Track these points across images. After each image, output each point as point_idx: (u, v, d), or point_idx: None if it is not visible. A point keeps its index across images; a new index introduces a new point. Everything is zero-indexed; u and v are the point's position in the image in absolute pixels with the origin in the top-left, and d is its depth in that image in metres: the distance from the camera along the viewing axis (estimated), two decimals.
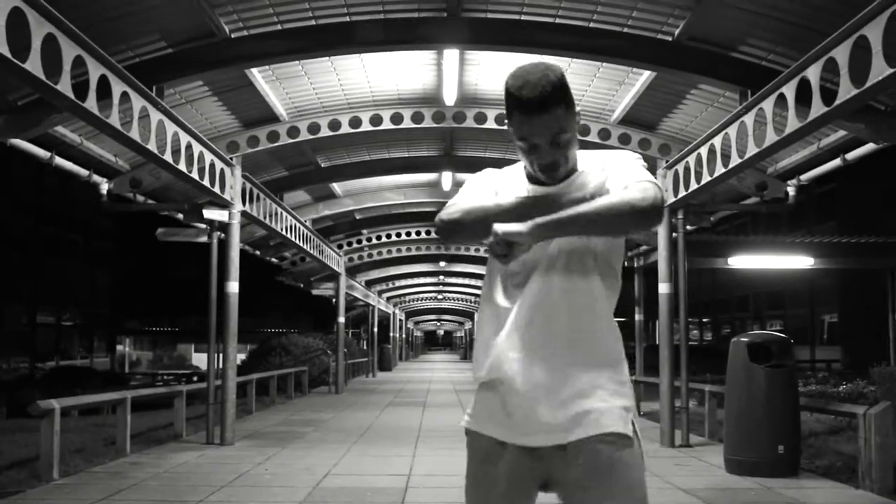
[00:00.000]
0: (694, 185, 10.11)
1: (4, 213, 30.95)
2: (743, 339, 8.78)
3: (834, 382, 15.70)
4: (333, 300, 24.50)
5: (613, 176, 2.33)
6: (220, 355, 11.79)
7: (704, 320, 40.66)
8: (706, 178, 9.66)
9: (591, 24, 8.86)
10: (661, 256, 11.42)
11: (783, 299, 31.49)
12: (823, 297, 28.62)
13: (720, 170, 9.20)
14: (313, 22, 8.98)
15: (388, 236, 22.94)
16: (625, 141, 11.32)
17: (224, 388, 11.37)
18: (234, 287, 11.45)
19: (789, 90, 7.28)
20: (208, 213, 11.26)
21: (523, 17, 8.95)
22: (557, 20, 8.89)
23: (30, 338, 33.17)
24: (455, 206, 2.37)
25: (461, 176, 16.70)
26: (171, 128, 8.92)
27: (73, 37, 6.43)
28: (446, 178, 17.01)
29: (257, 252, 19.55)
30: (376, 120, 11.71)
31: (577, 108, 2.35)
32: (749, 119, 8.28)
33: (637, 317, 16.93)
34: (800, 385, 10.63)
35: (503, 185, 2.49)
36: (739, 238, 18.82)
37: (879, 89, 5.89)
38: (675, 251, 11.16)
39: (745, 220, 31.70)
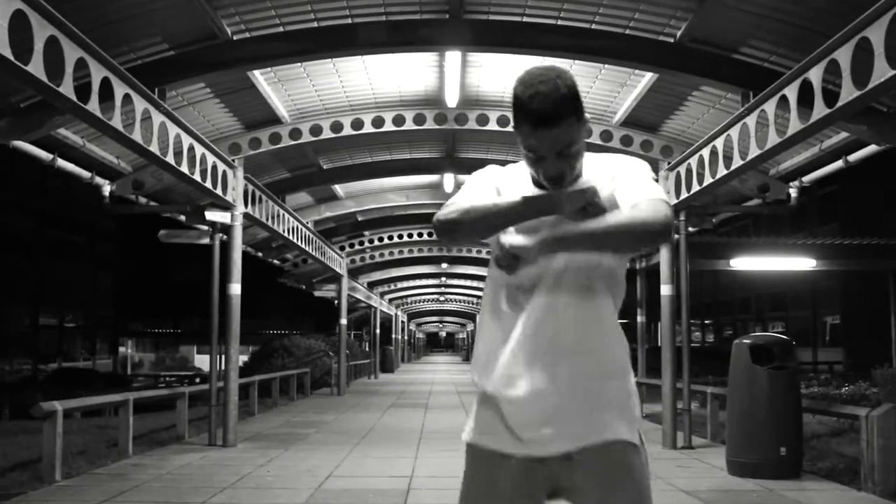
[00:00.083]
0: (696, 187, 10.11)
1: (7, 214, 31.00)
2: (745, 341, 8.77)
3: (836, 384, 15.69)
4: (335, 302, 24.52)
5: (623, 188, 2.28)
6: (223, 357, 11.79)
7: (706, 322, 40.62)
8: (708, 180, 9.66)
9: (593, 26, 8.86)
10: (664, 258, 11.43)
11: (785, 301, 31.46)
12: (825, 299, 28.59)
13: (722, 171, 9.20)
14: (315, 24, 8.98)
15: (390, 238, 22.95)
16: (627, 143, 11.32)
17: (226, 389, 11.38)
18: (236, 289, 11.46)
19: (791, 92, 7.28)
20: (210, 215, 11.27)
21: (525, 19, 8.95)
22: (559, 22, 8.89)
23: (32, 339, 33.19)
24: (453, 206, 2.29)
25: (463, 177, 16.66)
26: (173, 130, 8.93)
27: (76, 39, 6.44)
28: (448, 180, 17.01)
29: (259, 254, 19.56)
30: (378, 122, 11.72)
31: (586, 116, 2.29)
32: (751, 121, 8.28)
33: (639, 318, 16.93)
34: (802, 387, 10.61)
35: (507, 183, 2.43)
36: (741, 240, 18.84)
37: (881, 91, 5.89)
38: (678, 253, 11.15)
39: (747, 222, 31.69)
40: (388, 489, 8.02)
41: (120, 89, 7.39)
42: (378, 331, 35.48)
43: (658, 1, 8.22)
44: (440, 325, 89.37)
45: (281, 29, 8.98)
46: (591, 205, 2.13)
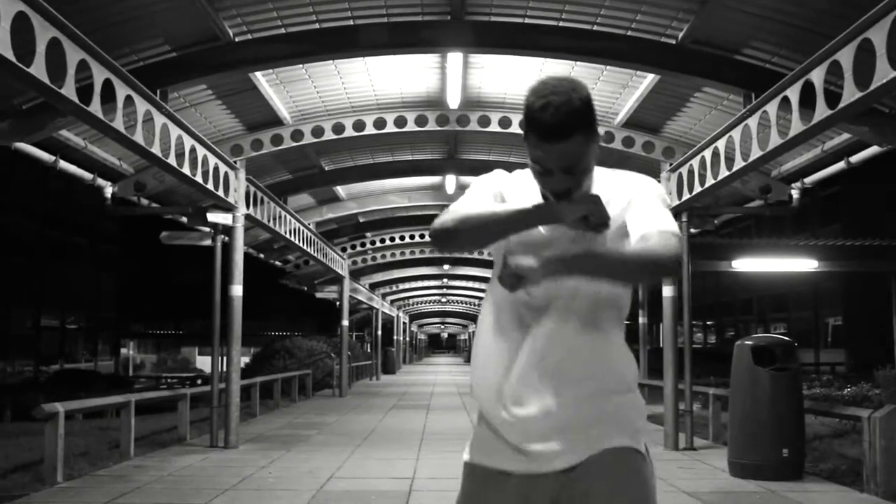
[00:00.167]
0: (698, 188, 10.11)
1: (9, 216, 31.03)
2: (747, 343, 8.76)
3: (838, 385, 15.67)
4: (337, 303, 24.52)
5: (634, 214, 2.22)
6: (224, 358, 11.79)
7: (708, 323, 40.61)
8: (710, 181, 9.66)
9: (595, 27, 8.86)
10: None
11: (787, 302, 31.44)
12: (827, 300, 28.58)
13: (724, 173, 9.19)
14: (317, 25, 8.99)
15: (392, 239, 22.96)
16: (628, 144, 11.32)
17: (228, 391, 11.38)
18: (237, 290, 11.46)
19: (793, 93, 7.28)
20: (212, 217, 11.27)
21: (527, 21, 8.95)
22: (561, 23, 8.88)
23: (34, 341, 33.21)
24: (450, 214, 2.22)
25: (465, 179, 16.71)
26: (175, 131, 8.94)
27: (78, 41, 6.45)
28: (450, 181, 17.02)
29: (261, 255, 19.56)
30: (380, 123, 11.72)
31: (600, 132, 2.23)
32: (753, 122, 8.28)
33: (641, 320, 16.93)
34: (804, 388, 10.61)
35: (513, 190, 2.36)
36: (743, 241, 18.84)
37: (883, 92, 5.89)
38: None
39: (748, 223, 31.69)
40: (390, 491, 8.01)
41: (122, 91, 7.40)
42: (380, 332, 35.47)
43: (660, 2, 8.22)
44: (442, 327, 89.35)
45: (283, 30, 8.99)
46: (592, 214, 2.08)
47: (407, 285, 36.46)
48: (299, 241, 15.96)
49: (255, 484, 8.46)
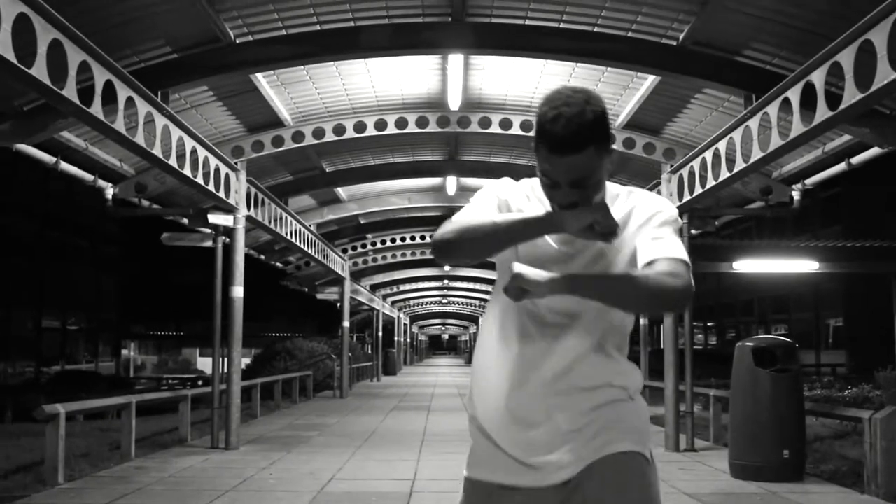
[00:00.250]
0: (699, 190, 10.11)
1: (10, 217, 31.03)
2: (748, 344, 8.76)
3: (839, 387, 15.65)
4: (338, 304, 24.52)
5: (644, 238, 2.17)
6: (225, 360, 11.79)
7: (709, 324, 40.60)
8: (711, 183, 9.66)
9: (596, 29, 8.87)
10: None
11: (788, 303, 31.43)
12: (828, 302, 28.57)
13: (725, 174, 9.19)
14: (318, 27, 9.00)
15: (393, 240, 22.97)
16: (629, 145, 11.32)
17: (229, 392, 11.38)
18: (238, 291, 11.47)
19: (794, 94, 7.28)
20: (213, 218, 11.27)
21: (528, 22, 8.95)
22: (562, 25, 8.89)
23: (35, 342, 33.20)
24: (451, 225, 2.14)
25: (466, 180, 16.73)
26: (176, 133, 8.95)
27: (79, 42, 6.46)
28: (451, 183, 17.02)
29: (262, 256, 19.57)
30: (381, 125, 11.73)
31: (613, 146, 2.13)
32: (754, 123, 8.28)
33: (642, 321, 16.91)
34: (805, 389, 10.60)
35: (519, 200, 2.30)
36: (744, 242, 18.83)
37: (884, 93, 5.89)
38: None
39: (749, 225, 31.68)
40: (391, 492, 8.01)
41: (123, 92, 7.40)
42: (380, 333, 35.47)
43: (661, 4, 8.22)
44: (443, 328, 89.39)
45: (283, 32, 8.99)
46: (598, 223, 1.99)
47: (408, 286, 36.46)
48: (300, 242, 15.96)
49: (255, 485, 8.46)
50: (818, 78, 6.75)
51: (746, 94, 8.84)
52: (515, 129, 11.60)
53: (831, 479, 8.50)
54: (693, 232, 11.30)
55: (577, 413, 2.23)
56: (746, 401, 8.54)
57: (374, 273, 27.73)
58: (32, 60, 5.75)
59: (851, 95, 6.17)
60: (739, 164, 8.73)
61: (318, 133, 11.76)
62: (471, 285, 36.49)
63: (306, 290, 25.20)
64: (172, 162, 8.95)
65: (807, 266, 16.30)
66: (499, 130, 11.70)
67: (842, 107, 6.36)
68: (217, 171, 10.52)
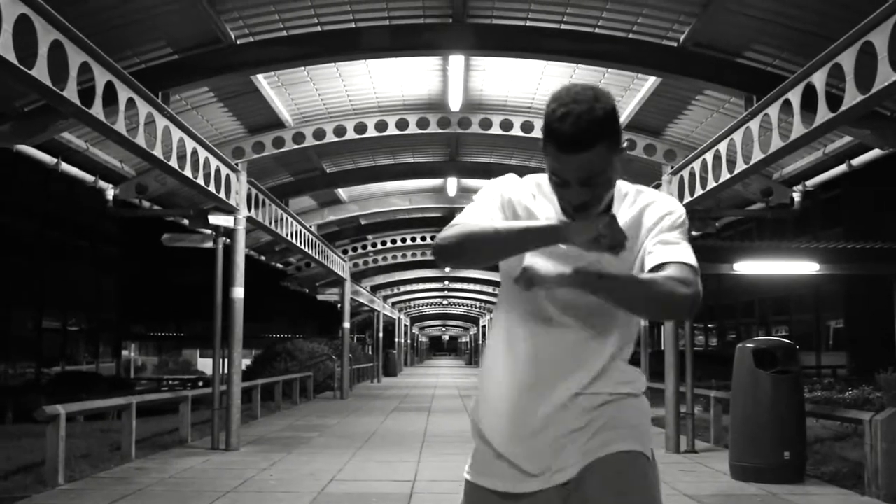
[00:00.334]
0: (699, 191, 10.10)
1: (11, 218, 31.03)
2: (748, 345, 8.76)
3: (839, 388, 15.66)
4: (338, 305, 24.52)
5: (653, 241, 2.15)
6: (226, 360, 11.79)
7: (710, 326, 40.58)
8: (711, 184, 9.65)
9: (597, 30, 8.87)
10: None
11: (788, 305, 31.42)
12: (829, 303, 28.56)
13: (725, 175, 9.19)
14: (319, 28, 9.00)
15: (394, 241, 22.96)
16: (630, 147, 11.30)
17: (229, 393, 11.38)
18: (239, 292, 11.47)
19: (795, 96, 7.28)
20: (214, 219, 11.27)
21: (528, 23, 8.95)
22: (563, 26, 8.89)
23: (35, 343, 33.19)
24: (454, 230, 2.10)
25: (466, 181, 16.73)
26: (176, 134, 8.95)
27: (80, 43, 6.46)
28: (451, 184, 17.02)
29: (262, 257, 19.57)
30: (382, 126, 11.73)
31: (624, 144, 2.10)
32: (754, 125, 8.28)
33: (642, 322, 16.90)
34: (805, 391, 10.60)
35: (525, 199, 2.25)
36: (745, 244, 18.80)
37: (885, 95, 5.89)
38: None
39: (750, 226, 31.67)
40: (391, 493, 8.01)
41: (124, 93, 7.40)
42: (381, 334, 35.49)
43: (662, 5, 8.22)
44: (443, 329, 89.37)
45: (284, 33, 8.99)
46: (605, 236, 1.93)
47: (408, 287, 36.45)
48: (301, 243, 15.96)
49: (256, 486, 8.46)
50: (819, 79, 6.75)
51: (747, 96, 8.84)
52: (516, 131, 11.59)
53: (832, 480, 8.50)
54: (693, 233, 11.29)
55: (580, 412, 2.22)
56: (747, 402, 8.54)
57: (374, 274, 27.73)
58: (33, 61, 5.75)
59: (852, 97, 6.17)
60: (740, 166, 8.73)
61: (319, 134, 11.77)
62: (471, 286, 36.47)
63: (307, 291, 25.21)
64: (173, 163, 8.95)
65: (807, 267, 16.28)
66: (500, 132, 11.70)
67: (842, 108, 6.36)
68: (218, 172, 10.53)
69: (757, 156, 8.24)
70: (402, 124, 11.74)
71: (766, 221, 26.92)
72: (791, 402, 8.42)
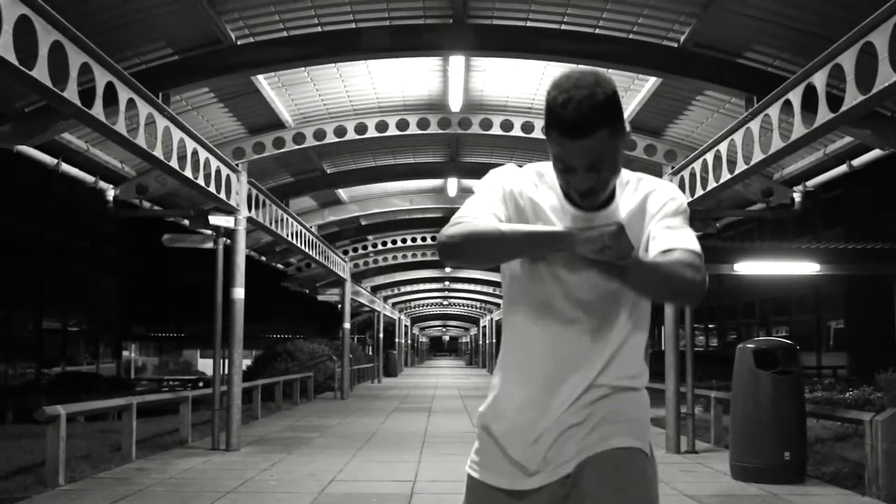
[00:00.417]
0: (700, 191, 10.10)
1: (11, 218, 31.03)
2: (749, 346, 8.76)
3: (840, 389, 15.65)
4: (339, 306, 24.52)
5: (658, 227, 2.17)
6: (226, 361, 11.79)
7: (710, 326, 40.57)
8: (712, 185, 9.65)
9: (597, 31, 8.87)
10: None
11: (789, 305, 31.41)
12: (829, 304, 28.55)
13: (726, 176, 9.19)
14: (319, 29, 9.00)
15: (394, 242, 22.96)
16: (630, 147, 11.29)
17: (229, 393, 11.39)
18: (239, 293, 11.47)
19: (795, 96, 7.28)
20: (214, 220, 11.27)
21: (529, 24, 8.95)
22: (563, 27, 8.89)
23: (36, 343, 33.20)
24: (458, 227, 2.09)
25: (467, 182, 16.71)
26: (177, 134, 8.95)
27: (80, 44, 6.46)
28: (452, 184, 17.02)
29: (263, 258, 19.58)
30: (382, 126, 11.74)
31: (628, 128, 2.09)
32: (755, 125, 8.28)
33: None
34: (806, 391, 10.60)
35: (527, 190, 2.23)
36: (745, 244, 18.79)
37: (886, 95, 5.89)
38: None
39: (750, 227, 31.66)
40: (392, 493, 8.01)
41: (124, 94, 7.40)
42: (381, 335, 35.49)
43: (662, 6, 8.22)
44: (443, 329, 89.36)
45: (285, 34, 9.00)
46: (611, 247, 1.92)
47: (408, 288, 36.46)
48: (301, 243, 15.96)
49: (256, 487, 8.46)
50: (819, 80, 6.75)
51: (748, 96, 8.83)
52: (517, 131, 11.59)
53: (832, 481, 8.50)
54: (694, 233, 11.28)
55: (580, 406, 2.22)
56: (747, 402, 8.54)
57: (375, 274, 27.74)
58: (34, 62, 5.75)
59: (853, 97, 6.17)
60: (740, 166, 8.73)
61: (319, 134, 11.77)
62: (472, 287, 36.46)
63: (307, 291, 25.20)
64: (173, 163, 8.95)
65: (808, 268, 16.27)
66: (500, 132, 11.70)
67: (843, 109, 6.36)
68: (218, 172, 10.53)
69: (757, 156, 8.24)
70: (402, 125, 11.75)
71: (767, 222, 26.90)
72: (791, 402, 8.42)
